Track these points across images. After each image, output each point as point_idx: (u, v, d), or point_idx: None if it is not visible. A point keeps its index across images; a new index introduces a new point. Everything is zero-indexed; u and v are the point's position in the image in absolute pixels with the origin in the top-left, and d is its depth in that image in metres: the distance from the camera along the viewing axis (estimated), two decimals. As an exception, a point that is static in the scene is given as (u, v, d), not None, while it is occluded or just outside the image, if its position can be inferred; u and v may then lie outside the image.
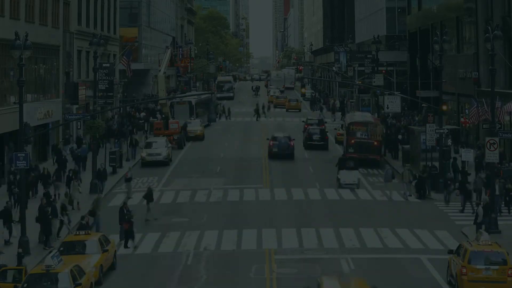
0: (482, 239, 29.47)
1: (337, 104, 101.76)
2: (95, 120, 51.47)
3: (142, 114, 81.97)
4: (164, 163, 59.46)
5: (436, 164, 49.38)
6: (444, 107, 52.73)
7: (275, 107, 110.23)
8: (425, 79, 78.49)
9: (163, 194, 48.95)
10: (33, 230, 36.68)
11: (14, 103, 47.88)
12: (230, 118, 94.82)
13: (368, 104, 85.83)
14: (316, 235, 37.83)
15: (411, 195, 47.27)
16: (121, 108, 79.86)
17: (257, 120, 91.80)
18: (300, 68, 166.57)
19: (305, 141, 67.84)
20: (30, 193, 45.41)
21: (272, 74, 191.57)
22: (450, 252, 30.53)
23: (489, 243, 29.24)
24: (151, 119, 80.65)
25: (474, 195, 43.28)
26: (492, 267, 28.20)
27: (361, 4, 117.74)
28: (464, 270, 28.16)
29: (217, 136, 76.41)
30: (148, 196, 42.40)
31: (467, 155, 48.28)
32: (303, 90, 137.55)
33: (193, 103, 79.80)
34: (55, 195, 45.18)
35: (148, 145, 61.12)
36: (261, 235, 37.94)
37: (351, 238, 37.22)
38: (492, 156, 40.41)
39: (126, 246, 36.07)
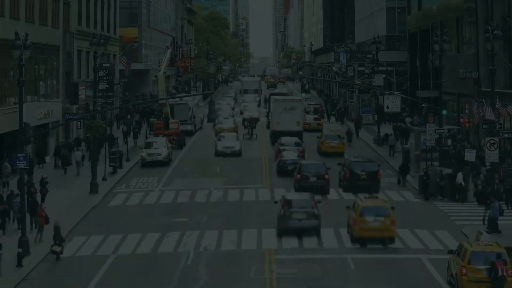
0: (482, 239, 29.52)
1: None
2: (95, 120, 51.51)
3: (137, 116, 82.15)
4: (164, 163, 59.46)
5: (436, 164, 49.43)
6: (444, 112, 52.88)
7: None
8: (425, 79, 78.45)
9: (163, 194, 48.94)
10: (33, 230, 36.75)
11: (14, 103, 47.90)
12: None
13: (368, 104, 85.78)
14: (316, 235, 37.77)
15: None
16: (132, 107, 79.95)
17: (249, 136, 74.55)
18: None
19: None
20: None
21: (267, 70, 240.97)
22: (450, 252, 30.51)
23: (489, 243, 29.29)
24: (151, 119, 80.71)
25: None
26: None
27: (361, 4, 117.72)
28: (464, 270, 28.13)
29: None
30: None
31: (470, 155, 48.26)
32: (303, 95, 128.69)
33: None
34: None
35: (148, 145, 61.09)
36: (261, 235, 37.92)
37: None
38: (492, 156, 40.45)
39: None
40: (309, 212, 37.89)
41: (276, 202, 41.05)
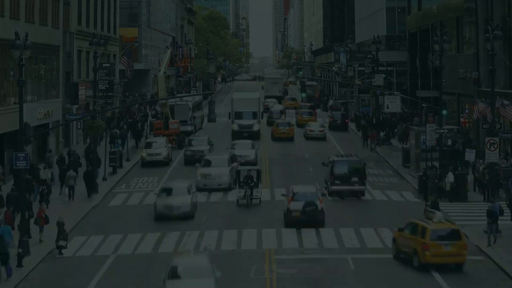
0: (435, 218, 32.79)
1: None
2: (95, 120, 51.53)
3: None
4: (164, 163, 59.44)
5: (436, 164, 49.43)
6: (444, 112, 52.88)
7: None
8: (425, 79, 78.43)
9: (163, 194, 48.87)
10: (33, 231, 36.75)
11: (14, 103, 47.89)
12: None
13: (368, 104, 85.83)
14: (316, 235, 37.82)
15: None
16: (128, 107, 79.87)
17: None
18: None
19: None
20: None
21: (265, 71, 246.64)
22: (400, 229, 33.75)
23: (443, 221, 33.17)
24: (150, 119, 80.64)
25: None
26: (450, 242, 31.71)
27: (361, 4, 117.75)
28: (427, 247, 31.45)
29: (217, 136, 76.28)
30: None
31: (470, 155, 48.27)
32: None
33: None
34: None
35: (148, 145, 61.10)
36: (261, 235, 37.91)
37: (351, 238, 37.21)
38: (492, 156, 40.43)
39: None
40: (280, 112, 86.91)
41: (266, 108, 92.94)
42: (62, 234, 34.76)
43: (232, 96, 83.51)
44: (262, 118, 78.98)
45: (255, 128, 73.75)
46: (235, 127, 73.79)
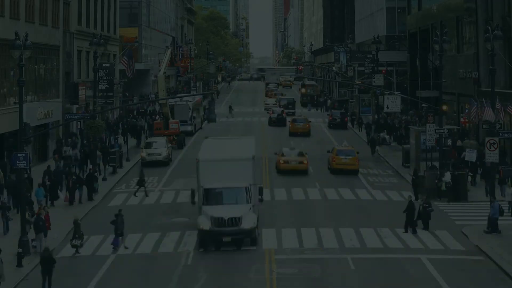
0: (344, 144, 58.23)
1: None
2: (95, 120, 51.53)
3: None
4: (164, 163, 59.45)
5: (436, 164, 49.41)
6: (444, 107, 52.76)
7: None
8: (425, 79, 78.46)
9: (163, 194, 48.95)
10: (32, 231, 36.69)
11: (14, 103, 47.90)
12: (232, 117, 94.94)
13: (368, 104, 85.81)
14: (316, 235, 37.83)
15: None
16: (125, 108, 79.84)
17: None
18: (300, 67, 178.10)
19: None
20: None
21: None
22: (328, 151, 57.34)
23: (347, 145, 59.37)
24: (150, 119, 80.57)
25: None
26: (348, 157, 54.60)
27: (361, 4, 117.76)
28: (334, 159, 54.70)
29: (217, 136, 76.30)
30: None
31: (470, 155, 48.16)
32: (303, 90, 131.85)
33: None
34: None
35: (148, 145, 61.09)
36: (261, 235, 37.90)
37: (351, 238, 37.22)
38: (492, 156, 40.43)
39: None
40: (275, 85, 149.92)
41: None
42: (78, 233, 34.92)
43: (198, 156, 39.46)
44: (262, 200, 38.28)
45: (247, 224, 35.45)
46: (205, 225, 35.45)
